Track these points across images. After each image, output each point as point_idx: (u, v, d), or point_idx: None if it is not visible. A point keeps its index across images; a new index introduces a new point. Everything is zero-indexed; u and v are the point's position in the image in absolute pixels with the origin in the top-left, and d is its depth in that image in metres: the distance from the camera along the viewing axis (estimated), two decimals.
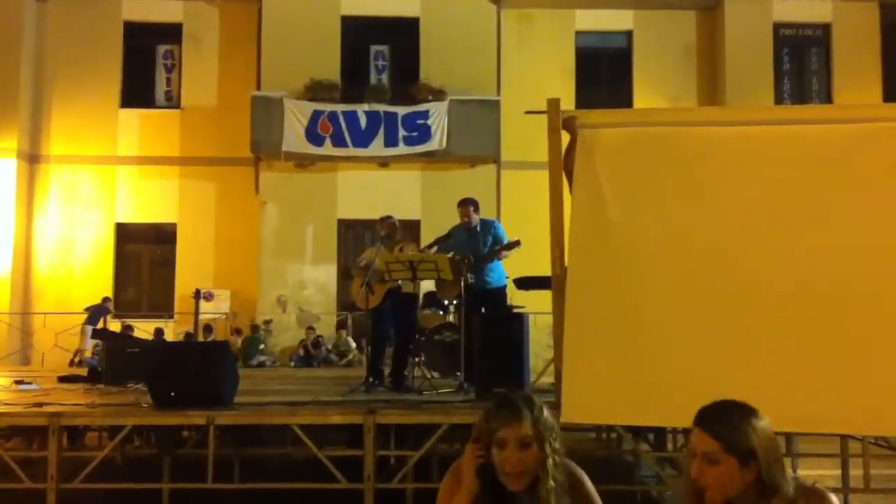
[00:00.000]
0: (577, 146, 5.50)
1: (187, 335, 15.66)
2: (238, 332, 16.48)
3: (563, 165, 5.62)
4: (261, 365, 15.54)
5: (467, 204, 8.10)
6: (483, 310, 7.67)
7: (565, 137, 5.65)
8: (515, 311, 9.07)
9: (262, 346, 16.28)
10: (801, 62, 18.93)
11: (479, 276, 7.88)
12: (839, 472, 6.18)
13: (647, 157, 5.39)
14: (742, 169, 5.22)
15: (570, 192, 5.57)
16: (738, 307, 5.01)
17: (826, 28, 18.71)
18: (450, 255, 7.89)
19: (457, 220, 8.13)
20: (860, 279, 4.92)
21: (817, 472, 2.54)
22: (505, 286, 8.20)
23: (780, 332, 4.93)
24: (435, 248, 8.04)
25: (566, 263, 5.58)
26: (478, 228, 8.05)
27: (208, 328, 15.42)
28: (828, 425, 4.94)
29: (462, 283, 7.64)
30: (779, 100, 18.35)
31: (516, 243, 7.73)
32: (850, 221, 4.99)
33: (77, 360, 15.09)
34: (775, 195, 5.13)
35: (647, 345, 5.12)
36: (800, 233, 5.06)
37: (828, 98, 18.51)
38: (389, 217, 8.35)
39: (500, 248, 7.82)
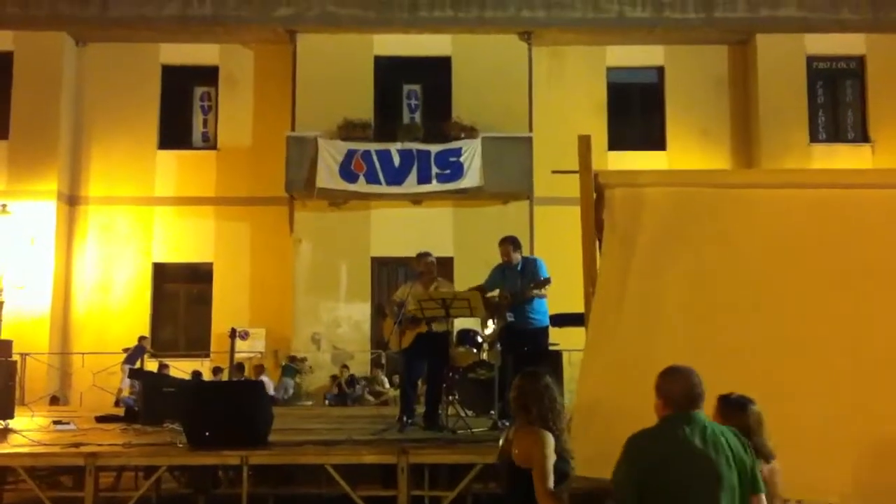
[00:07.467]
0: (605, 204, 5.51)
1: (215, 371, 15.75)
2: (261, 368, 16.36)
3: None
4: (289, 402, 15.60)
5: (507, 242, 8.00)
6: (526, 349, 7.57)
7: None
8: (550, 348, 9.00)
9: (297, 380, 16.37)
10: (836, 95, 18.74)
11: (522, 314, 7.76)
12: None
13: (669, 217, 5.38)
14: (766, 230, 5.22)
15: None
16: (766, 366, 4.94)
17: (860, 60, 18.54)
18: (496, 291, 7.86)
19: (489, 257, 8.10)
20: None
21: None
22: (548, 326, 8.08)
23: (811, 396, 4.84)
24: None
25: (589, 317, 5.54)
26: (518, 268, 7.93)
27: (240, 367, 15.45)
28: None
29: (496, 322, 7.61)
30: (813, 133, 18.21)
31: (546, 281, 7.66)
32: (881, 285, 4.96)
33: (116, 399, 15.19)
34: (799, 256, 5.11)
35: None
36: (826, 296, 5.01)
37: (863, 131, 18.34)
38: (428, 255, 8.27)
39: (532, 286, 7.72)
